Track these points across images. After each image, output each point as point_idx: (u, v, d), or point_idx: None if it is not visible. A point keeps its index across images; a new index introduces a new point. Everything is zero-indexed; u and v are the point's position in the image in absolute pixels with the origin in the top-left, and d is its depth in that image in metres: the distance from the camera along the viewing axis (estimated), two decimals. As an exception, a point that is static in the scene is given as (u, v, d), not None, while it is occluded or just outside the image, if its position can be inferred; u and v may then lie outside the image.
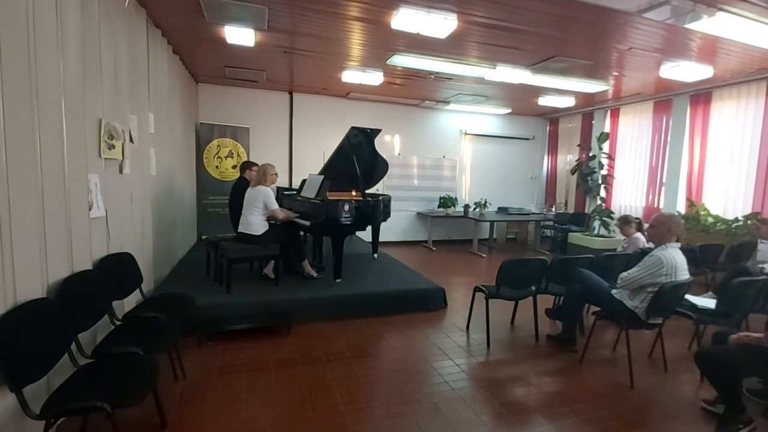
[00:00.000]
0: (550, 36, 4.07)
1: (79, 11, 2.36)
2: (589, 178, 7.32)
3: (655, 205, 6.60)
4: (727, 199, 5.61)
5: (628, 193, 7.16)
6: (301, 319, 3.61)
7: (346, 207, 4.15)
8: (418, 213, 8.15)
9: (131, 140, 3.17)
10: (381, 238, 5.74)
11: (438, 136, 8.25)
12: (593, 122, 7.84)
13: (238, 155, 6.65)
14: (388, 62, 5.02)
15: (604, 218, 6.88)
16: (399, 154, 7.96)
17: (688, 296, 3.12)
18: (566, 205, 8.54)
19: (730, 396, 2.29)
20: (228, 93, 6.79)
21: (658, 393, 2.72)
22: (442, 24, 3.69)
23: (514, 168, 8.90)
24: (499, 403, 2.52)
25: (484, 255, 7.22)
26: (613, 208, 7.13)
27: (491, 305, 3.42)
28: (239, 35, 4.22)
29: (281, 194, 5.25)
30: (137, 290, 2.91)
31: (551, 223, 8.05)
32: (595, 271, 3.31)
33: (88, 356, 2.08)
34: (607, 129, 7.43)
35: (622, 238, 4.41)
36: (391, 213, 5.40)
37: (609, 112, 7.47)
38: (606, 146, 7.18)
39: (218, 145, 6.52)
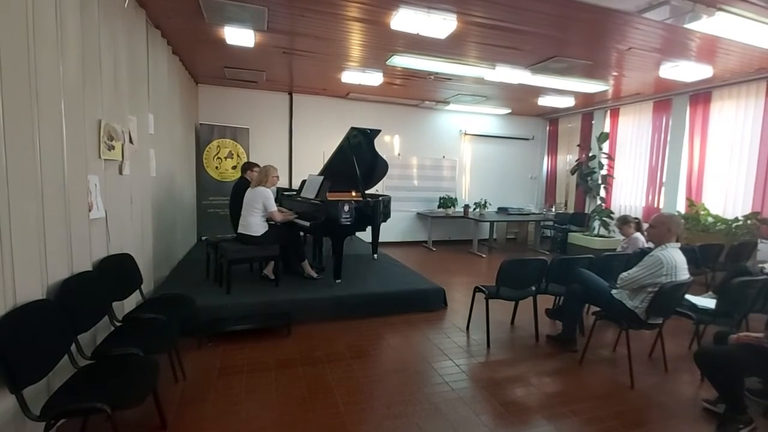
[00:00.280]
0: (550, 36, 4.07)
1: (79, 12, 2.36)
2: (588, 178, 7.32)
3: (655, 205, 6.60)
4: (727, 199, 5.61)
5: (627, 193, 7.16)
6: (301, 320, 3.61)
7: (346, 207, 4.15)
8: (417, 213, 8.15)
9: (131, 141, 3.17)
10: (381, 239, 5.75)
11: (438, 136, 8.25)
12: (593, 122, 7.84)
13: (238, 156, 6.66)
14: (387, 63, 5.02)
15: (603, 218, 6.88)
16: (399, 154, 7.96)
17: (688, 296, 3.12)
18: (566, 205, 8.54)
19: (731, 396, 2.29)
20: (228, 94, 6.79)
21: (659, 393, 2.72)
22: (441, 24, 3.69)
23: (513, 168, 8.91)
24: (499, 404, 2.52)
25: (484, 255, 7.22)
26: (612, 208, 7.13)
27: (491, 305, 3.42)
28: (239, 36, 4.22)
29: (281, 195, 5.25)
30: (137, 291, 2.91)
31: (551, 223, 8.05)
32: (595, 271, 3.31)
33: (88, 357, 2.08)
34: (606, 129, 7.43)
35: (622, 238, 4.41)
36: (391, 213, 5.40)
37: (609, 112, 7.47)
38: (606, 146, 7.19)
39: (218, 146, 6.53)
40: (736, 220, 5.21)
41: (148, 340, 2.22)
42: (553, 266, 3.53)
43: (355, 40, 4.41)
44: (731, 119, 5.59)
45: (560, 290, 3.61)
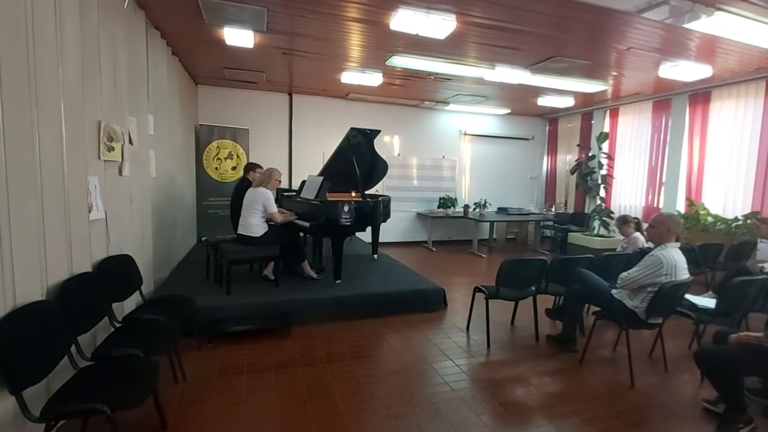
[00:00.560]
0: (549, 36, 4.07)
1: (78, 13, 2.36)
2: (588, 178, 7.31)
3: (655, 205, 6.60)
4: (727, 199, 5.61)
5: (627, 193, 7.16)
6: (301, 321, 3.61)
7: (346, 208, 4.15)
8: (417, 213, 8.16)
9: (131, 142, 3.17)
10: (381, 239, 5.75)
11: (437, 136, 8.25)
12: (592, 122, 7.84)
13: (238, 156, 6.66)
14: (387, 63, 5.02)
15: (603, 218, 6.88)
16: (398, 154, 7.96)
17: (688, 296, 3.12)
18: (566, 205, 8.54)
19: (731, 395, 2.29)
20: (227, 94, 6.79)
21: (659, 393, 2.72)
22: (441, 25, 3.70)
23: (513, 168, 8.91)
24: (499, 404, 2.52)
25: (483, 255, 7.22)
26: (612, 208, 7.13)
27: (491, 305, 3.42)
28: (238, 37, 4.22)
29: (281, 195, 5.25)
30: (137, 292, 2.90)
31: (551, 223, 8.05)
32: (595, 271, 3.31)
33: (88, 358, 2.08)
34: (606, 129, 7.43)
35: (622, 238, 4.41)
36: (391, 213, 5.40)
37: (608, 112, 7.47)
38: (605, 146, 7.18)
39: (218, 147, 6.53)
40: (736, 219, 5.21)
41: (148, 341, 2.22)
42: (553, 266, 3.53)
43: (355, 40, 4.42)
44: (731, 119, 5.59)
45: (560, 290, 3.61)
